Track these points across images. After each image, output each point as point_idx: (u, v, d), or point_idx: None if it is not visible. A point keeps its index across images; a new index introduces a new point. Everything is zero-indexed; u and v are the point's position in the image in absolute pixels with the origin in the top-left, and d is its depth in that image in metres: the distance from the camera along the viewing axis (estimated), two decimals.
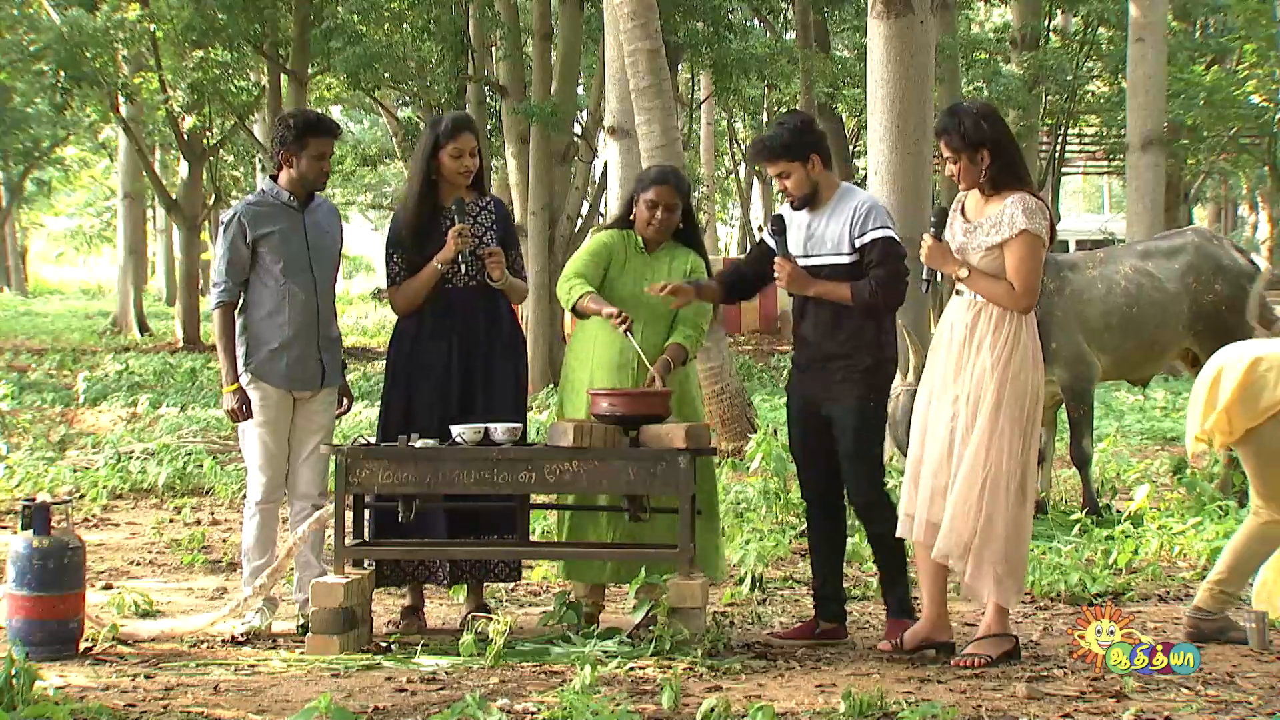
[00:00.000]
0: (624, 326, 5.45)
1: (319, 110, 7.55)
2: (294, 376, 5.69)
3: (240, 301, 5.72)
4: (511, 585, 6.38)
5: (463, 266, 5.66)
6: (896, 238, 5.45)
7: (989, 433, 5.08)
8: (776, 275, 5.47)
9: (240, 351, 5.67)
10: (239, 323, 5.72)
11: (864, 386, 5.42)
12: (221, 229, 5.77)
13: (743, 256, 5.64)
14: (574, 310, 5.66)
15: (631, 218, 5.75)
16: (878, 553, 5.56)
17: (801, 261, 5.47)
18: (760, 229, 6.12)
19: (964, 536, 5.09)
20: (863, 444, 5.43)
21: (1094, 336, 8.06)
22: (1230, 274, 8.22)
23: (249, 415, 5.63)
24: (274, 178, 5.76)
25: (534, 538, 6.22)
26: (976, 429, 5.10)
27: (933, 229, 5.29)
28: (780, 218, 5.54)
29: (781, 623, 5.81)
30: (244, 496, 9.04)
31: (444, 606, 6.07)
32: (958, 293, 5.26)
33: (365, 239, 48.04)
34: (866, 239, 5.39)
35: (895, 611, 5.49)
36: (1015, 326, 5.15)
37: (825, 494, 5.59)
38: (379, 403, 5.94)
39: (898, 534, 5.35)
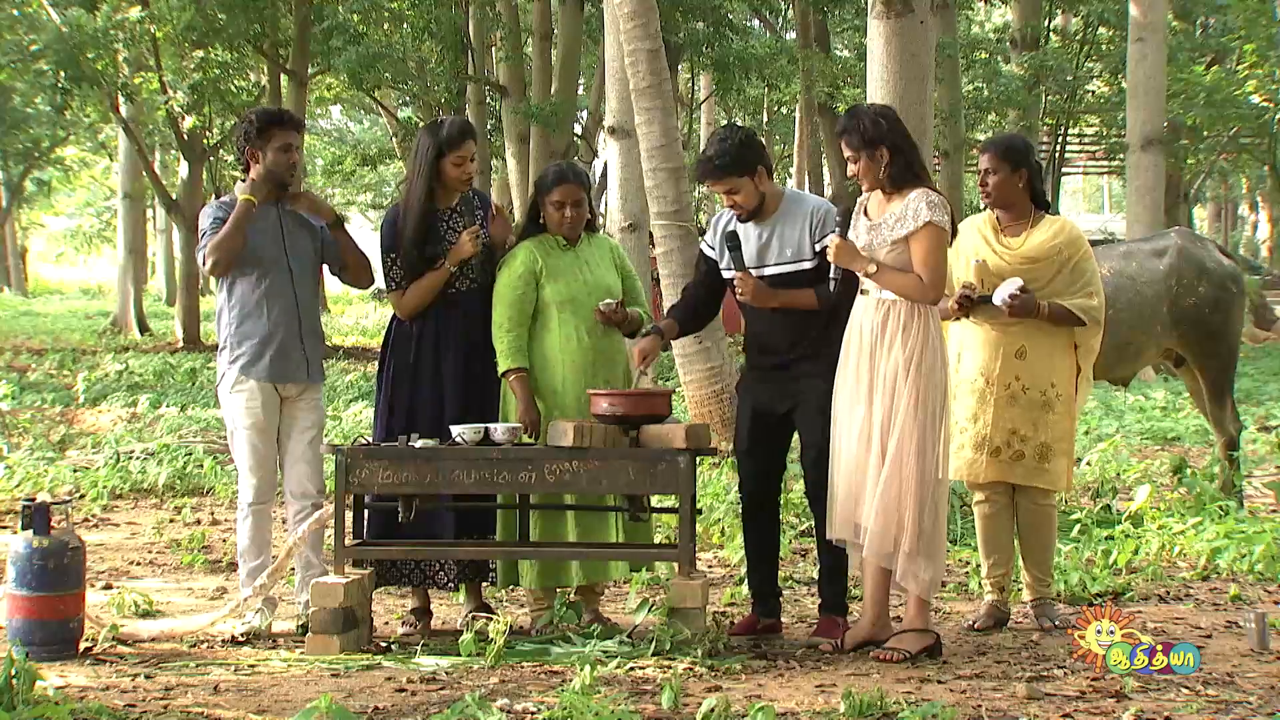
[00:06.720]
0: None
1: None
2: (278, 370, 5.74)
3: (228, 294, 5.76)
4: (512, 585, 6.39)
5: (469, 270, 5.70)
6: None
7: (909, 430, 5.16)
8: (739, 292, 5.49)
9: (224, 353, 5.76)
10: (222, 321, 5.78)
11: (828, 383, 5.53)
12: (204, 217, 5.80)
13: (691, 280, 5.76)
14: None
15: (541, 221, 5.80)
16: (828, 546, 5.59)
17: (756, 272, 5.52)
18: (702, 237, 6.11)
19: (892, 534, 5.15)
20: (826, 440, 5.53)
21: None
22: (1214, 276, 8.19)
23: (284, 182, 5.71)
24: (245, 174, 5.83)
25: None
26: (896, 427, 5.17)
27: (837, 229, 5.35)
28: (735, 234, 5.56)
29: (781, 622, 5.81)
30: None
31: (444, 606, 6.07)
32: (863, 292, 5.32)
33: (365, 239, 48.02)
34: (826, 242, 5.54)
35: (831, 607, 5.58)
36: (923, 323, 5.22)
37: (766, 495, 5.73)
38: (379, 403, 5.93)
39: (827, 535, 5.40)
